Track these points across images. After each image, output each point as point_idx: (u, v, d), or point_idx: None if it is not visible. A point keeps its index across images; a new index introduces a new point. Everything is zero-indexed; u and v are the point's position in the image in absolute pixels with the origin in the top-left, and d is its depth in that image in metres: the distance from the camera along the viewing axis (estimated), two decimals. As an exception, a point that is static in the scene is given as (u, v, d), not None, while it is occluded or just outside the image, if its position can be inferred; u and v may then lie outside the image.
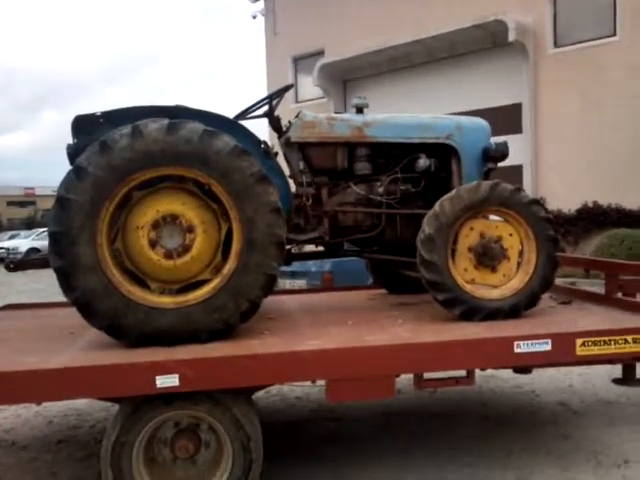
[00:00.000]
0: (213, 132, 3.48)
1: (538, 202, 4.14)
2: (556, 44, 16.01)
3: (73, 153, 3.65)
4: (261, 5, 22.73)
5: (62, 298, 3.54)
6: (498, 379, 5.88)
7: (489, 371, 5.11)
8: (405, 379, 3.74)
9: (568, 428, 4.70)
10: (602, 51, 15.05)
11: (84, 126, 3.74)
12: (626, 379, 4.49)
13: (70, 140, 3.82)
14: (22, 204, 54.93)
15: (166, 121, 3.43)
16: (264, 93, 19.12)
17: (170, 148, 3.40)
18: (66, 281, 3.35)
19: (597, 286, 5.12)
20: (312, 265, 8.07)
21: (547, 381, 5.82)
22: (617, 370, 4.52)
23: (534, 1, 15.99)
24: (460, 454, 4.27)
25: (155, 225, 3.49)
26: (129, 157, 3.37)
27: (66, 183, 3.36)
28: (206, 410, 3.24)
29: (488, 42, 16.51)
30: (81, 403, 5.44)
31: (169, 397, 3.16)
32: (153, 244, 3.49)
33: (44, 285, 14.98)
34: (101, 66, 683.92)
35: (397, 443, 4.51)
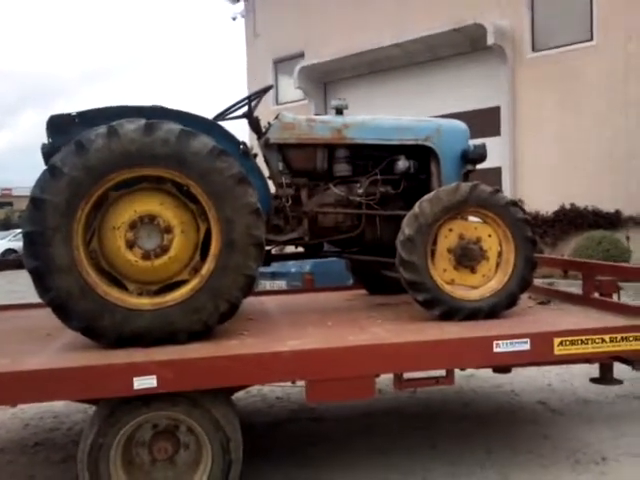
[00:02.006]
0: (191, 133, 3.45)
1: (516, 203, 4.17)
2: (534, 48, 16.17)
3: (48, 153, 3.59)
4: (241, 7, 22.68)
5: (38, 299, 3.48)
6: (478, 379, 5.91)
7: (469, 371, 5.15)
8: (386, 379, 3.74)
9: (547, 427, 4.74)
10: (579, 55, 15.23)
11: (59, 126, 3.68)
12: (603, 378, 4.54)
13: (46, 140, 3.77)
14: (-2, 205, 54.04)
15: (143, 121, 3.40)
16: (244, 94, 19.08)
17: (147, 149, 3.37)
18: (41, 282, 3.30)
19: (575, 286, 5.18)
20: (292, 266, 8.06)
21: (526, 380, 5.86)
22: (595, 369, 4.57)
23: (512, 6, 16.14)
24: (442, 454, 4.28)
25: (132, 225, 3.45)
26: (105, 157, 3.33)
27: (41, 183, 3.31)
28: (185, 411, 3.21)
29: (467, 46, 16.64)
30: (58, 405, 5.36)
31: (147, 398, 3.12)
32: (130, 245, 3.45)
33: (21, 287, 14.77)
34: (82, 67, 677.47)
35: (378, 443, 4.51)
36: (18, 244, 26.64)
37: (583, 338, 3.56)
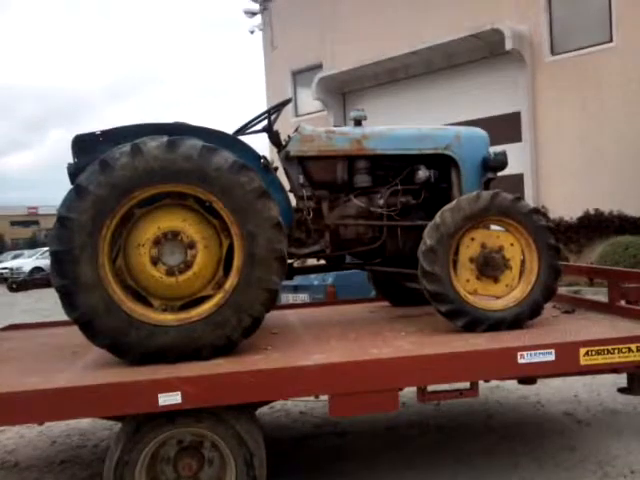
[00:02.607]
0: (212, 148, 3.49)
1: (538, 211, 4.14)
2: (553, 52, 16.04)
3: (74, 172, 3.66)
4: (258, 20, 22.89)
5: (65, 317, 3.54)
6: (503, 390, 5.85)
7: (494, 382, 5.10)
8: (409, 392, 3.72)
9: (574, 439, 4.67)
10: (599, 57, 15.07)
11: (84, 145, 3.76)
12: (631, 388, 4.45)
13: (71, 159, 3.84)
14: (25, 224, 54.90)
15: (165, 138, 3.45)
16: (264, 107, 19.18)
17: (170, 165, 3.42)
18: (68, 300, 3.36)
19: (601, 294, 5.11)
20: (315, 279, 8.07)
21: (552, 391, 5.78)
22: (622, 379, 4.49)
23: (530, 9, 16.05)
24: (467, 467, 4.24)
25: (156, 242, 3.50)
26: (129, 175, 3.38)
27: (67, 202, 3.37)
28: (209, 427, 3.23)
29: (485, 51, 16.57)
30: (84, 422, 5.42)
31: (172, 415, 3.15)
32: (155, 261, 3.49)
33: (48, 305, 14.97)
34: (106, 84, 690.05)
35: (403, 457, 4.47)
36: (45, 262, 27.09)
37: (609, 348, 3.52)
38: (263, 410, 4.76)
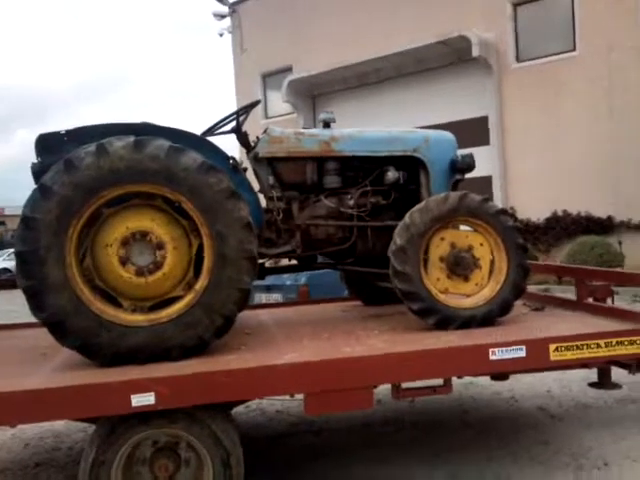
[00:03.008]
0: (180, 149, 3.46)
1: (506, 211, 4.21)
2: (518, 59, 16.37)
3: (38, 172, 3.59)
4: (228, 23, 22.82)
5: (33, 319, 3.47)
6: (477, 386, 5.91)
7: (467, 378, 5.15)
8: (384, 389, 3.74)
9: (548, 433, 4.73)
10: (563, 65, 15.43)
11: (48, 145, 3.69)
12: (602, 383, 4.55)
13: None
14: (-9, 224, 53.62)
15: (132, 138, 3.41)
16: (233, 109, 19.13)
17: (136, 165, 3.37)
18: (35, 301, 3.29)
19: (569, 292, 5.20)
20: (287, 278, 8.05)
21: (525, 387, 5.86)
22: (593, 374, 4.58)
23: (496, 17, 16.34)
24: (442, 462, 4.27)
25: (125, 242, 3.45)
26: (94, 175, 3.33)
27: (31, 202, 3.31)
28: (184, 427, 3.19)
29: (453, 57, 16.81)
30: (58, 425, 5.31)
31: (145, 416, 3.10)
32: (123, 261, 3.44)
33: (16, 306, 14.66)
34: (74, 84, 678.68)
35: (379, 454, 4.49)
36: (12, 263, 26.45)
37: (578, 343, 3.57)
38: (239, 409, 4.73)
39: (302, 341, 3.89)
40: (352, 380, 3.30)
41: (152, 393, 3.01)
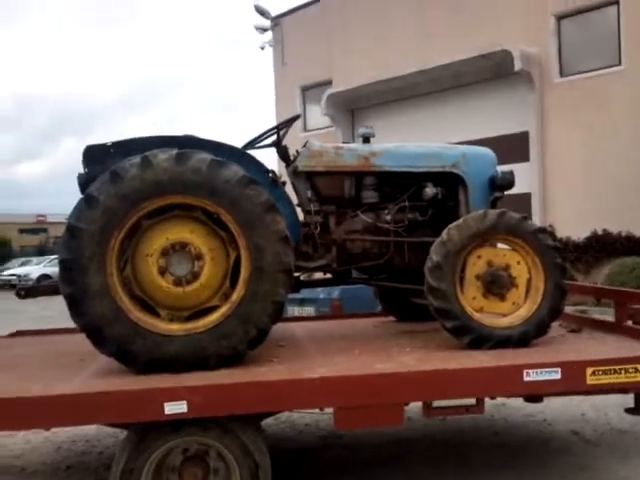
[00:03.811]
0: (221, 162, 3.53)
1: (545, 230, 4.16)
2: (562, 73, 16.14)
3: (84, 183, 3.71)
4: (269, 36, 23.11)
5: (72, 325, 3.56)
6: (509, 407, 5.82)
7: (501, 399, 5.06)
8: (416, 406, 3.72)
9: (582, 458, 4.64)
10: (607, 80, 15.15)
11: (95, 156, 3.81)
12: (638, 408, 4.43)
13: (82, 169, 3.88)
14: (34, 231, 55.13)
15: (175, 151, 3.49)
16: (273, 122, 19.31)
17: (179, 178, 3.46)
18: (76, 308, 3.39)
19: (608, 314, 5.09)
20: (321, 292, 8.06)
21: (559, 410, 5.75)
22: (630, 399, 4.46)
23: (538, 32, 16.16)
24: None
25: (164, 252, 3.53)
26: (138, 186, 3.42)
27: (77, 212, 3.42)
28: (214, 437, 3.23)
29: (493, 72, 16.66)
30: (90, 429, 5.42)
31: (177, 424, 3.16)
32: (162, 271, 3.52)
33: (54, 312, 14.99)
34: (119, 95, 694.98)
35: (408, 472, 4.46)
36: (53, 270, 27.16)
37: (616, 367, 3.50)
38: (268, 421, 4.76)
39: (334, 356, 3.90)
40: (382, 396, 3.30)
41: (185, 402, 3.07)
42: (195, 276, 3.55)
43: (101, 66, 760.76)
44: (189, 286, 3.54)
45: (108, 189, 3.41)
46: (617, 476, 4.28)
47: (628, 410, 4.49)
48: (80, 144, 3.88)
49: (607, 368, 3.49)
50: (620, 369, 3.51)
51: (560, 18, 16.18)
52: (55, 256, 28.46)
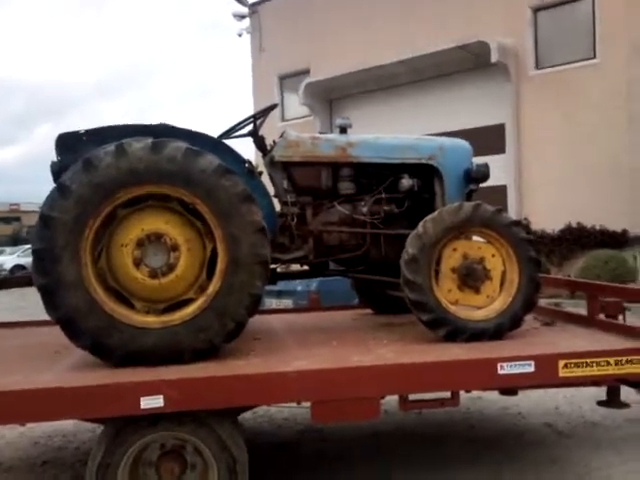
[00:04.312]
0: (197, 151, 3.49)
1: (519, 223, 4.19)
2: (537, 66, 16.28)
3: (57, 171, 3.64)
4: (247, 23, 22.87)
5: (46, 317, 3.50)
6: (485, 400, 5.88)
7: (476, 392, 5.12)
8: (392, 400, 3.73)
9: (554, 450, 4.70)
10: (582, 72, 15.32)
11: (68, 144, 3.74)
12: (610, 401, 4.50)
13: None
14: (7, 220, 54.07)
15: (150, 140, 3.44)
16: (250, 111, 19.13)
17: (154, 167, 3.41)
18: (50, 299, 3.33)
19: (582, 307, 5.17)
20: (298, 284, 8.05)
21: (533, 403, 5.82)
22: (603, 392, 4.54)
23: (516, 23, 16.26)
24: (448, 477, 4.25)
25: (139, 243, 3.48)
26: (113, 175, 3.37)
27: (50, 201, 3.35)
28: (191, 431, 3.21)
29: (471, 63, 16.74)
30: (67, 424, 5.35)
31: (154, 418, 3.13)
32: (137, 263, 3.48)
33: (29, 303, 14.76)
34: (94, 82, 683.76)
35: (385, 465, 4.48)
36: (27, 260, 26.67)
37: (588, 360, 3.54)
38: (246, 415, 4.75)
39: (311, 349, 3.89)
40: (359, 390, 3.31)
41: (161, 396, 3.04)
42: (171, 268, 3.51)
43: (77, 52, 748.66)
44: (165, 278, 3.50)
45: (81, 178, 3.35)
46: (588, 468, 4.35)
47: (600, 403, 4.57)
48: (55, 130, 3.84)
49: (579, 361, 3.53)
50: (592, 362, 3.55)
51: (537, 10, 16.31)
52: (29, 246, 28.01)
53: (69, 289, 3.32)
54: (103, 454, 3.12)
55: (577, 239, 15.01)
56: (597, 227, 14.79)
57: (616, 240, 14.42)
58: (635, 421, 5.27)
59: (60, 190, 3.35)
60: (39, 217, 3.36)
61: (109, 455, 3.12)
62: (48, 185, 3.48)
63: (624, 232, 14.44)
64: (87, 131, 3.77)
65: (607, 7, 14.91)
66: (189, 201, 3.52)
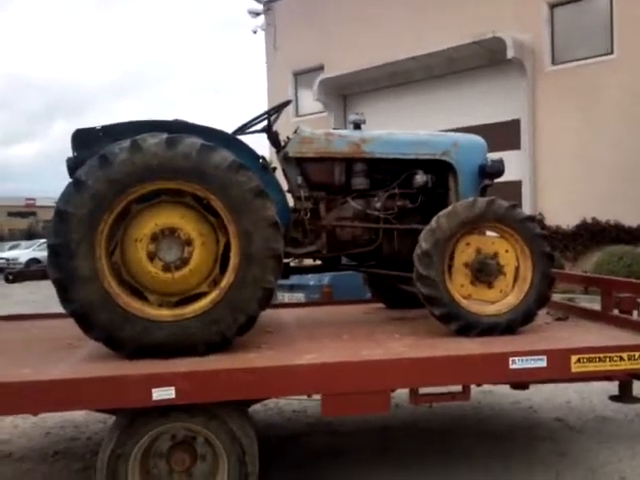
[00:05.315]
0: (211, 147, 3.51)
1: (533, 219, 4.17)
2: (554, 61, 16.15)
3: (73, 166, 3.69)
4: (262, 20, 22.92)
5: (60, 309, 3.55)
6: (496, 395, 5.87)
7: (487, 386, 5.12)
8: (403, 393, 3.74)
9: (565, 445, 4.69)
10: (599, 69, 15.17)
11: (84, 140, 3.78)
12: (622, 396, 4.48)
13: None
14: (23, 215, 54.71)
15: (165, 136, 3.47)
16: (265, 107, 19.19)
17: (168, 162, 3.44)
18: (64, 293, 3.38)
19: (595, 303, 5.14)
20: (311, 279, 8.09)
21: (545, 397, 5.81)
22: (614, 387, 4.51)
23: (531, 19, 16.14)
24: (458, 470, 4.27)
25: (153, 238, 3.52)
26: (128, 171, 3.40)
27: (65, 196, 3.39)
28: (202, 423, 3.24)
29: (486, 59, 16.64)
30: (78, 415, 5.43)
31: (165, 409, 3.16)
32: (151, 257, 3.51)
33: (41, 296, 14.94)
34: (111, 79, 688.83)
35: (395, 458, 4.50)
36: (42, 254, 26.97)
37: (601, 356, 3.53)
38: (256, 408, 4.78)
39: (322, 342, 3.91)
40: (370, 383, 3.32)
41: (173, 387, 3.07)
42: (184, 262, 3.54)
43: (94, 50, 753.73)
44: (178, 272, 3.53)
45: (97, 173, 3.38)
46: (597, 462, 4.35)
47: (612, 398, 4.55)
48: (71, 127, 3.90)
49: (592, 356, 3.52)
50: (605, 357, 3.54)
51: (553, 6, 16.17)
52: (44, 240, 28.25)
53: (84, 283, 3.36)
54: (114, 445, 3.16)
55: (592, 235, 14.92)
56: (612, 223, 14.67)
57: (631, 236, 14.30)
58: (647, 416, 5.25)
59: (76, 185, 3.39)
60: (55, 212, 3.40)
61: (120, 446, 3.16)
62: (64, 181, 3.53)
63: (639, 228, 14.30)
64: (103, 127, 3.81)
65: (625, 2, 14.75)
66: (203, 196, 3.55)
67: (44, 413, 3.62)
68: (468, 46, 16.21)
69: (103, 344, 3.48)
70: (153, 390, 3.06)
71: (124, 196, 3.43)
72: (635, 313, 4.55)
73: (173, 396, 3.08)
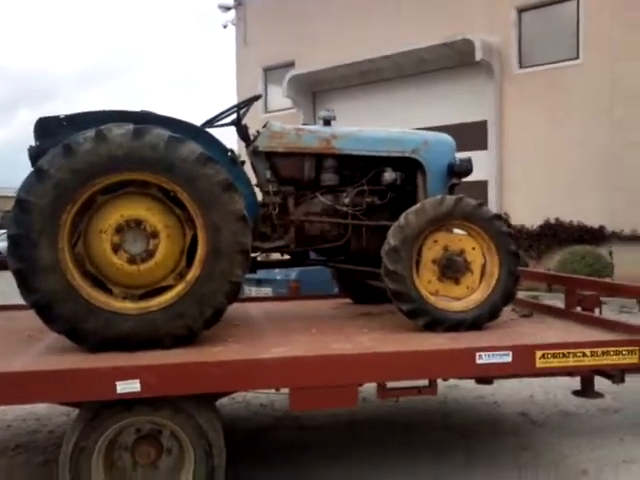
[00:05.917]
0: (179, 139, 3.46)
1: (500, 217, 4.23)
2: (521, 65, 16.40)
3: (35, 155, 3.59)
4: (232, 15, 22.76)
5: (20, 300, 3.47)
6: (461, 389, 5.93)
7: (453, 381, 5.17)
8: (370, 388, 3.76)
9: (528, 438, 4.76)
10: (566, 73, 15.45)
11: (47, 129, 3.69)
12: (585, 391, 4.60)
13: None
14: (-18, 204, 53.19)
15: (131, 126, 3.41)
16: (234, 102, 19.06)
17: (135, 153, 3.38)
18: (25, 284, 3.30)
19: (559, 300, 5.23)
20: (278, 273, 8.06)
21: (509, 392, 5.89)
22: (577, 382, 4.61)
23: (500, 22, 16.35)
24: (423, 465, 4.29)
25: (119, 229, 3.45)
26: (92, 161, 3.33)
27: (27, 185, 3.31)
28: (168, 416, 3.20)
29: (455, 60, 16.81)
30: (40, 407, 5.31)
31: (130, 403, 3.11)
32: (116, 249, 3.45)
33: (3, 287, 14.57)
34: (78, 70, 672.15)
35: (360, 453, 4.51)
36: (2, 244, 26.30)
37: (564, 352, 3.61)
38: (223, 401, 4.74)
39: (290, 336, 3.90)
40: (337, 377, 3.32)
41: (137, 380, 3.02)
42: (150, 254, 3.49)
43: (62, 40, 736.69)
44: (143, 264, 3.48)
45: (60, 162, 3.31)
46: (560, 455, 4.42)
47: (575, 393, 4.66)
48: (35, 116, 3.75)
49: (556, 352, 3.59)
50: (568, 353, 3.62)
51: (522, 10, 16.39)
52: (4, 231, 27.57)
53: (45, 274, 3.28)
54: (78, 438, 3.09)
55: (555, 234, 15.23)
56: (575, 223, 15.00)
57: (593, 236, 14.64)
58: (608, 411, 5.35)
59: (37, 174, 3.31)
60: (15, 201, 3.31)
61: (84, 439, 3.10)
62: (25, 170, 3.43)
63: (601, 228, 14.66)
64: (67, 116, 3.73)
65: (591, 9, 15.04)
66: (170, 188, 3.50)
67: (4, 406, 3.52)
68: (438, 47, 16.34)
69: (65, 336, 3.41)
70: (117, 383, 3.01)
71: (88, 187, 3.37)
72: (597, 311, 4.66)
73: (138, 389, 3.03)
